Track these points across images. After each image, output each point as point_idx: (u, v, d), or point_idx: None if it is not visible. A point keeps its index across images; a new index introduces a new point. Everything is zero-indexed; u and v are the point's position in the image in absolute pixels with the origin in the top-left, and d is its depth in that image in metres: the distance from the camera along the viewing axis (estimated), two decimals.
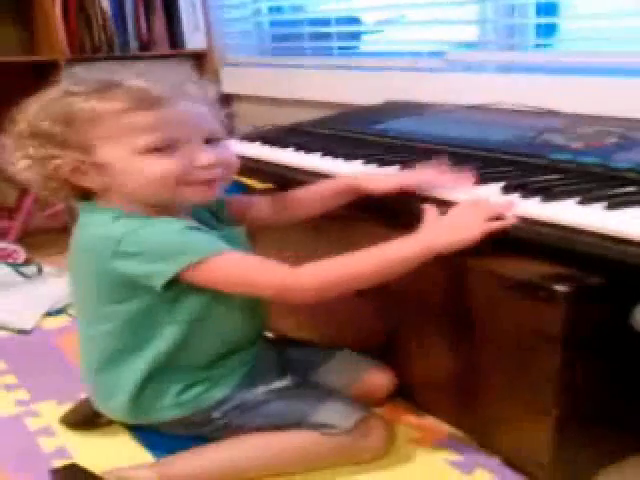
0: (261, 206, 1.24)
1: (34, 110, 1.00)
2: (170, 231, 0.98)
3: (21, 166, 1.01)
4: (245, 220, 1.20)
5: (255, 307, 1.14)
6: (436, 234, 0.98)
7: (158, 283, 0.98)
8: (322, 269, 0.98)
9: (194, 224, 1.02)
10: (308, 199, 1.22)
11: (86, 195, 1.05)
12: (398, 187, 1.13)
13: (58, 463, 1.12)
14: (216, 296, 1.04)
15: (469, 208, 1.00)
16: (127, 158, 0.98)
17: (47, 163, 0.99)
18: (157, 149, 0.98)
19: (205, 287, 1.00)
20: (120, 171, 0.99)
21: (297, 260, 0.99)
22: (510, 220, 0.96)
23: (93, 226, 1.03)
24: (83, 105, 0.97)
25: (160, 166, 0.98)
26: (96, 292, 1.06)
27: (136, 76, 0.99)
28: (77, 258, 1.07)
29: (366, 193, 1.17)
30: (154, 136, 0.97)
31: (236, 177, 1.64)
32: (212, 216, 1.14)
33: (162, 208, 1.03)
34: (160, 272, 0.97)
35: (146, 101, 0.97)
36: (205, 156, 1.01)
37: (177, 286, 0.99)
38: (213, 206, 1.15)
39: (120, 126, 0.97)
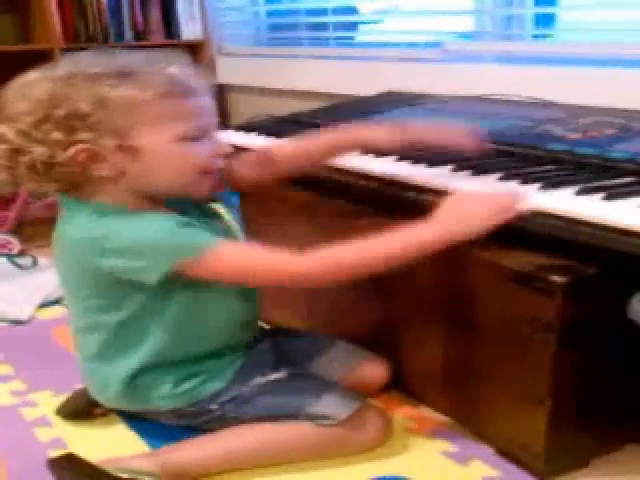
0: (244, 168, 1.20)
1: (46, 91, 0.95)
2: (161, 226, 0.97)
3: (37, 152, 0.95)
4: (228, 186, 1.19)
5: (246, 299, 1.13)
6: (453, 221, 0.97)
7: (153, 278, 0.97)
8: (335, 254, 0.97)
9: (185, 219, 1.01)
10: (300, 152, 1.20)
11: (72, 188, 1.02)
12: (403, 139, 1.14)
13: (55, 453, 1.12)
14: (204, 292, 1.05)
15: (484, 198, 0.99)
16: (164, 144, 0.98)
17: (64, 148, 0.95)
18: (192, 137, 1.00)
19: (209, 280, 1.00)
20: (154, 157, 0.98)
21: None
22: (523, 211, 0.96)
23: (78, 223, 1.01)
24: (118, 90, 0.95)
25: (194, 153, 1.00)
26: (84, 288, 1.06)
27: (165, 63, 1.00)
28: (63, 254, 1.07)
29: (369, 145, 1.17)
30: (192, 124, 0.99)
31: None
32: (196, 208, 1.11)
33: (154, 202, 1.02)
34: (154, 267, 0.96)
35: (183, 89, 0.99)
36: (225, 145, 1.05)
37: (167, 283, 0.99)
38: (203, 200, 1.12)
39: (160, 112, 0.97)
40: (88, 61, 0.99)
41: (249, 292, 1.13)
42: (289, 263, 0.98)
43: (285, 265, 0.98)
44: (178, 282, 1.00)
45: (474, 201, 0.99)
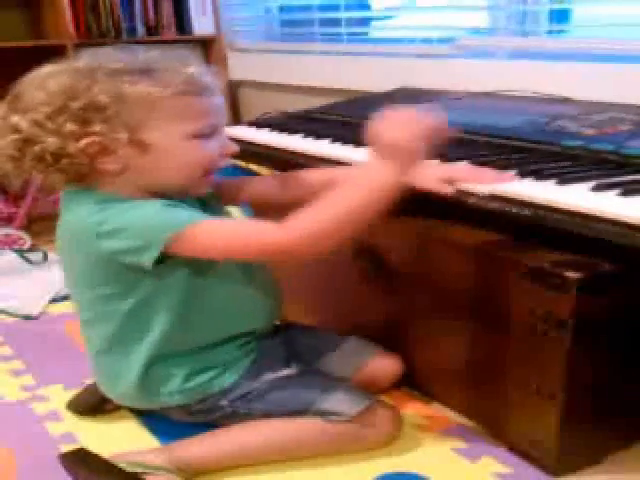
0: (261, 185, 1.22)
1: (65, 83, 0.96)
2: (150, 208, 0.98)
3: (49, 142, 0.96)
4: (237, 200, 1.22)
5: (252, 285, 1.13)
6: (395, 155, 0.95)
7: (148, 259, 0.96)
8: (312, 217, 0.94)
9: (172, 202, 1.01)
10: (323, 184, 1.15)
11: (76, 180, 1.02)
12: (440, 182, 1.04)
13: (66, 448, 1.12)
14: (206, 275, 1.05)
15: (405, 122, 0.97)
16: (175, 140, 1.00)
17: (76, 139, 0.96)
18: (203, 135, 1.01)
19: (197, 257, 0.99)
20: (163, 152, 0.99)
21: None
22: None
23: (80, 214, 1.01)
24: (138, 86, 0.97)
25: (204, 151, 1.02)
26: (93, 276, 1.06)
27: (183, 62, 1.02)
28: (68, 245, 1.07)
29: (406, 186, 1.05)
30: (203, 122, 1.01)
31: (244, 164, 1.65)
32: (202, 205, 1.11)
33: (155, 196, 1.02)
34: (145, 247, 0.96)
35: (198, 87, 1.00)
36: (234, 145, 1.07)
37: (165, 265, 0.99)
38: (206, 195, 1.12)
39: (175, 109, 0.99)
40: (109, 56, 1.01)
41: (254, 277, 1.13)
42: (271, 235, 0.95)
43: (267, 237, 0.95)
44: (177, 265, 1.01)
45: (400, 129, 0.96)
